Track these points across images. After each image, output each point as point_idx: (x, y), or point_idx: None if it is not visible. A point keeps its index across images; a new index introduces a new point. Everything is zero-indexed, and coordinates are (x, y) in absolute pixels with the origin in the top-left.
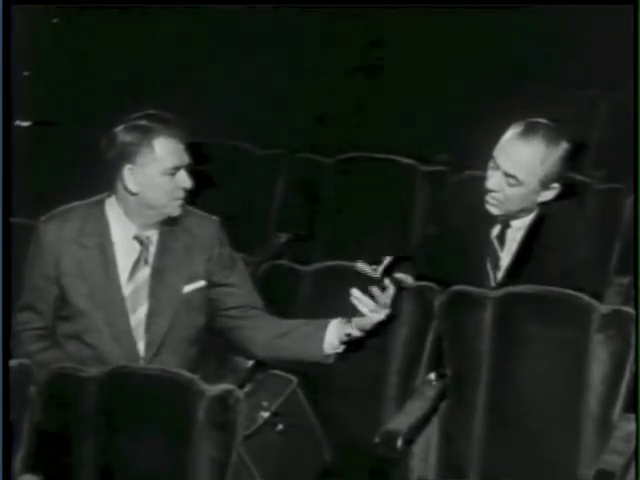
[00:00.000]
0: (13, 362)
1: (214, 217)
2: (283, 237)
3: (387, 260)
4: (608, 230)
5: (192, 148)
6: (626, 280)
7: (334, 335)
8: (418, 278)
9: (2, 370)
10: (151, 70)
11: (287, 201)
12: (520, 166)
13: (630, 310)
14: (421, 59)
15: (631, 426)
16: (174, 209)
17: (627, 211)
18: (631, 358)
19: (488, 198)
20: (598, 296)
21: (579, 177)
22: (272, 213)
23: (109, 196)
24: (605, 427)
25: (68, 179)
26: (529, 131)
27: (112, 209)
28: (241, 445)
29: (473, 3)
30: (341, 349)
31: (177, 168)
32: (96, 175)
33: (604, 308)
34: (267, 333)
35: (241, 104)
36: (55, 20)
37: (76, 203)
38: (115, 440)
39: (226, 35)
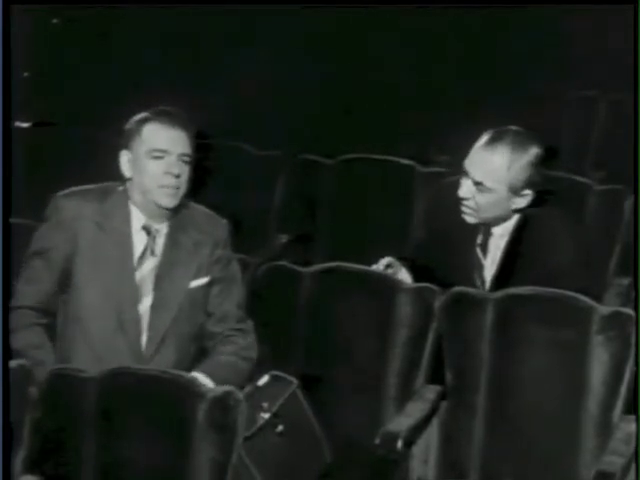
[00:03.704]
0: (13, 363)
1: (224, 220)
2: (283, 238)
3: (385, 260)
4: (608, 231)
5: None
6: (626, 281)
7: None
8: (416, 279)
9: (2, 370)
10: (151, 70)
11: (287, 202)
12: (487, 173)
13: (630, 311)
14: (420, 59)
15: (631, 427)
16: (163, 197)
17: (627, 212)
18: (631, 359)
19: (463, 207)
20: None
21: (579, 178)
22: (272, 214)
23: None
24: (605, 428)
25: (68, 179)
26: (496, 138)
27: (132, 197)
28: (241, 446)
29: (473, 3)
30: None
31: (163, 151)
32: (95, 175)
33: (604, 309)
34: None
35: (240, 104)
36: (55, 20)
37: (97, 185)
38: (115, 441)
39: (225, 34)
